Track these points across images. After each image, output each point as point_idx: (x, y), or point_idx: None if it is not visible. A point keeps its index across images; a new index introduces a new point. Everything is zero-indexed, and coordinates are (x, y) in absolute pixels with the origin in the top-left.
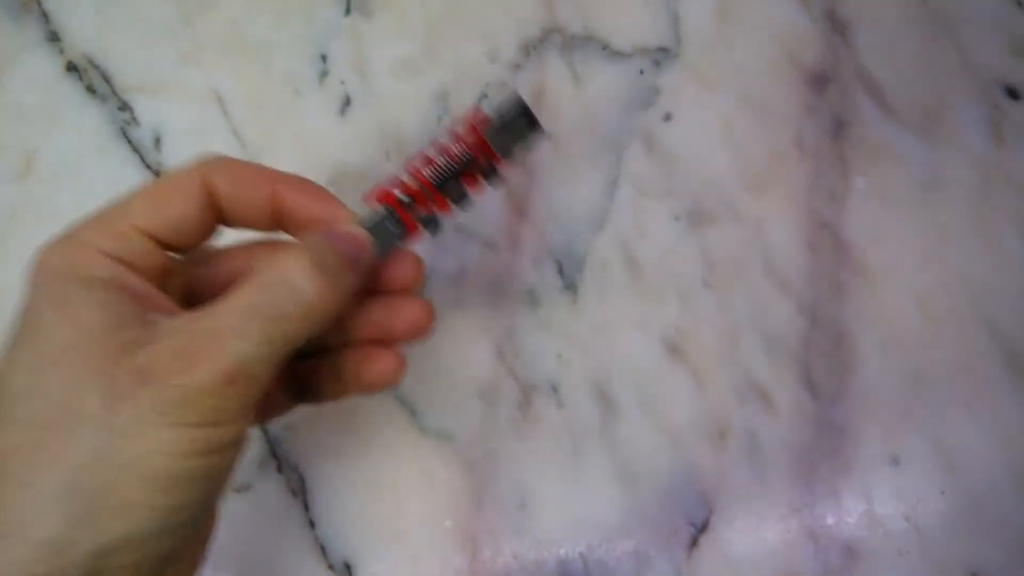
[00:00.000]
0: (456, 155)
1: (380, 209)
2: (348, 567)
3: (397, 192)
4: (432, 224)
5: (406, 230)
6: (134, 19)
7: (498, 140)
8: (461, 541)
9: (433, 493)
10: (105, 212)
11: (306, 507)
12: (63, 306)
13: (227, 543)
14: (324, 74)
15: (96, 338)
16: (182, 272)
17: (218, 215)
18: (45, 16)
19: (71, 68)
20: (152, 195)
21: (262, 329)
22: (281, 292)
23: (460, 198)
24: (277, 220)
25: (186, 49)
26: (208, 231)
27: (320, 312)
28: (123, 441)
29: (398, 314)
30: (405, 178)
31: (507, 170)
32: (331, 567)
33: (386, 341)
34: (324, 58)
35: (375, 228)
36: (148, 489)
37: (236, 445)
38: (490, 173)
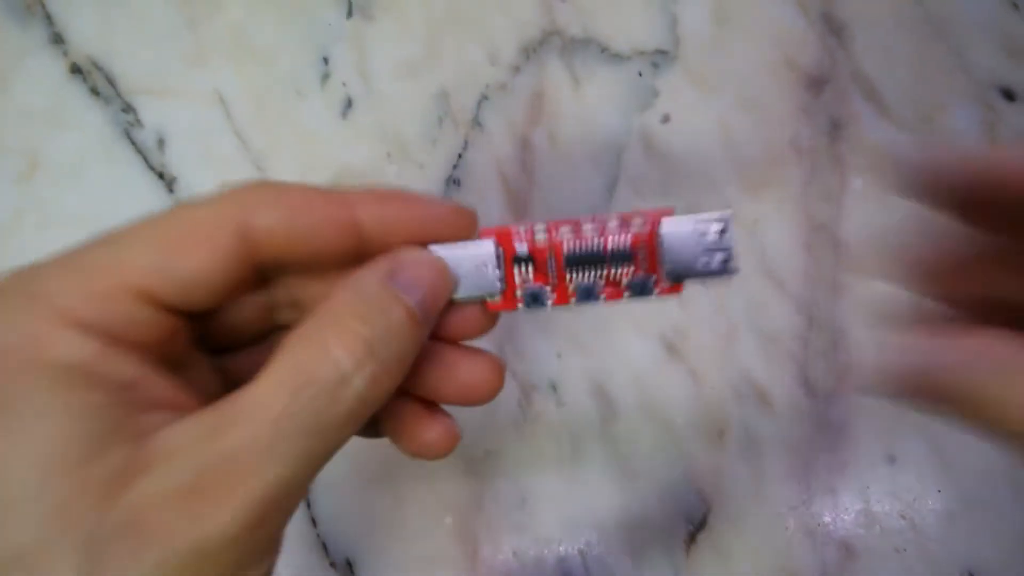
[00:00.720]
0: (612, 243)
1: (488, 246)
2: (349, 564)
3: (519, 242)
4: (534, 301)
5: (504, 290)
6: (138, 21)
7: (674, 255)
8: (461, 538)
9: (434, 491)
10: (85, 256)
11: (308, 505)
12: (16, 419)
13: None
14: (326, 76)
15: (68, 471)
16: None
17: (257, 265)
18: (49, 18)
19: (75, 70)
20: (160, 240)
21: (302, 446)
22: (324, 392)
23: (585, 294)
24: (356, 256)
25: (190, 51)
26: (239, 288)
27: (374, 404)
28: None
29: (458, 372)
30: (538, 232)
31: (661, 294)
32: (333, 564)
33: (436, 399)
34: (326, 60)
35: (468, 266)
36: None
37: None
38: (639, 287)
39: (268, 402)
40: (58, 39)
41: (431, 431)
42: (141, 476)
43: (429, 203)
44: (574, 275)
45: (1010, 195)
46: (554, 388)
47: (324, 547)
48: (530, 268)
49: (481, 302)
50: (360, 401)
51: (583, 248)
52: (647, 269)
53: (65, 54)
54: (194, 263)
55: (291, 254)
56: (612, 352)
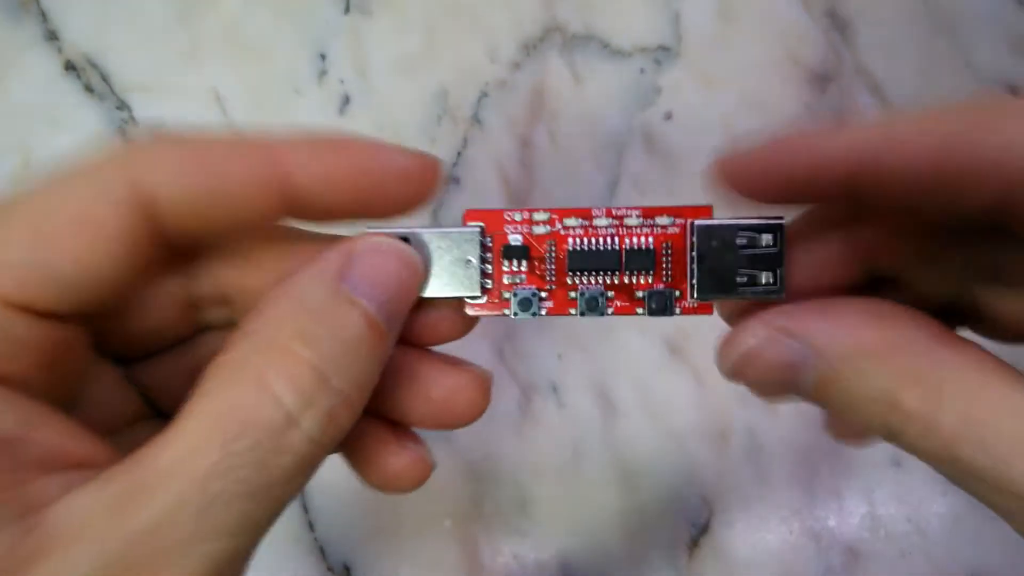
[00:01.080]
0: (630, 244)
1: (472, 233)
2: (347, 568)
3: (513, 231)
4: (524, 308)
5: (489, 290)
6: (133, 18)
7: (709, 266)
8: (461, 542)
9: (432, 494)
10: None
11: (305, 509)
12: None
13: None
14: (323, 73)
15: None
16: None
17: (165, 243)
18: (43, 15)
19: (69, 67)
20: (28, 227)
21: (240, 512)
22: (265, 441)
23: (589, 304)
24: (295, 216)
25: (185, 48)
26: (145, 275)
27: (330, 445)
28: None
29: (431, 388)
30: (539, 220)
31: (684, 313)
32: (330, 568)
33: (404, 421)
34: (323, 57)
35: (446, 256)
36: None
37: None
38: (658, 303)
39: (193, 458)
40: (52, 36)
41: (397, 460)
42: (35, 570)
43: (378, 150)
44: (578, 279)
45: (809, 173)
46: (555, 389)
47: (321, 552)
48: (523, 265)
49: (458, 302)
50: (313, 445)
51: (593, 246)
52: (670, 281)
53: (59, 51)
54: (77, 252)
55: (204, 227)
56: (614, 353)
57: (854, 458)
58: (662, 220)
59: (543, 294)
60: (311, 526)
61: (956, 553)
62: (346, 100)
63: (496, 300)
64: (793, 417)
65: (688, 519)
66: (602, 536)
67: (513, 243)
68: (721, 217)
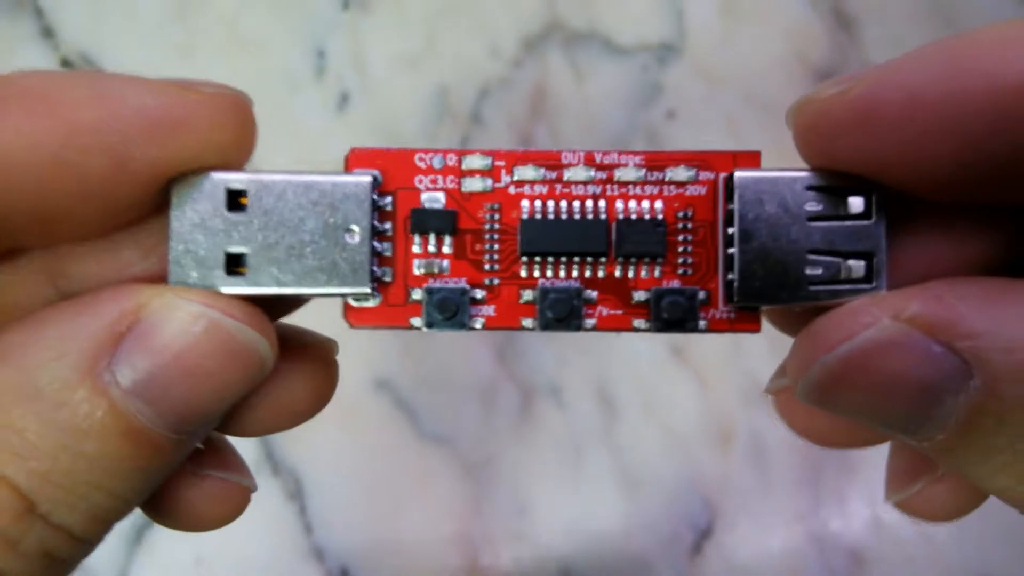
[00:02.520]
0: (627, 212)
1: (358, 185)
2: (345, 572)
3: (428, 184)
4: (444, 315)
5: (384, 282)
6: (128, 14)
7: (759, 248)
8: (460, 547)
9: (431, 498)
10: None
11: (303, 511)
12: None
13: (222, 548)
14: (322, 70)
15: None
16: None
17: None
18: (39, 12)
19: (65, 64)
20: None
21: None
22: None
23: (556, 311)
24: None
25: (180, 43)
26: None
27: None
28: None
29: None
30: (476, 171)
31: (714, 328)
32: (328, 573)
33: (227, 452)
34: (322, 53)
35: (309, 225)
36: None
37: None
38: (671, 312)
39: None
40: (48, 33)
41: (195, 495)
42: None
43: (92, 92)
44: (538, 269)
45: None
46: (555, 391)
47: (319, 556)
48: (447, 243)
49: (342, 302)
50: None
51: (563, 215)
52: (692, 275)
53: (55, 48)
54: None
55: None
56: (615, 354)
57: (859, 461)
58: (679, 173)
59: (479, 293)
60: (309, 529)
61: (962, 558)
62: (345, 98)
63: (399, 303)
64: None
65: (690, 523)
66: (603, 540)
67: (429, 206)
68: (775, 169)
